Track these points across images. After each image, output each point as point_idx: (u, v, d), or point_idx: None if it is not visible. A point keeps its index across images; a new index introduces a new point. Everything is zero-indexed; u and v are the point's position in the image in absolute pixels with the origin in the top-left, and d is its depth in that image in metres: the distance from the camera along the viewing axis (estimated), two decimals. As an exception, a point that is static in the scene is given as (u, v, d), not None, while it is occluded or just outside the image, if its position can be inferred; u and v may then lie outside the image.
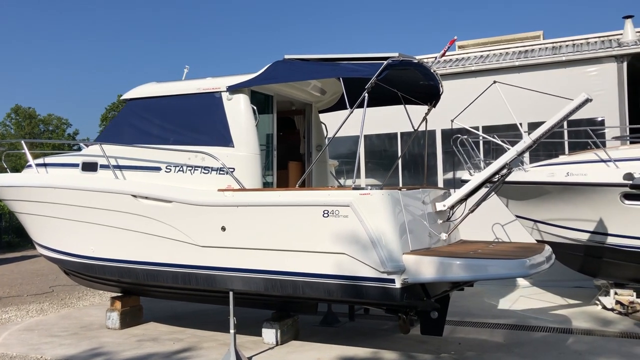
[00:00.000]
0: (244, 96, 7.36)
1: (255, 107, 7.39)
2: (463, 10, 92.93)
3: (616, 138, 10.53)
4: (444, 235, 7.01)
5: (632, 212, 8.30)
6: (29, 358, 7.41)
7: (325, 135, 9.37)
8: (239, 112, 7.33)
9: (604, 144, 9.91)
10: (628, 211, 8.32)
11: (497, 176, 6.83)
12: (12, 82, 63.38)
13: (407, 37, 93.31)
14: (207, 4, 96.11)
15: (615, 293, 9.21)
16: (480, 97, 8.60)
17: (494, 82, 8.26)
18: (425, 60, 7.55)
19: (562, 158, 9.32)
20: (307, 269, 6.45)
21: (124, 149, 7.95)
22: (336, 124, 6.98)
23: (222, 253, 6.97)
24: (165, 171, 7.61)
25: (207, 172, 7.33)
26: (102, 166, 8.07)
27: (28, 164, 8.95)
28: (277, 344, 7.61)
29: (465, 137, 9.73)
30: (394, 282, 5.98)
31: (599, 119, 11.87)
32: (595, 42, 13.49)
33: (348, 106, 6.59)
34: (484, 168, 7.56)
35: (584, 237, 8.98)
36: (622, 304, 9.04)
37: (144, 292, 8.93)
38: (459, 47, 15.81)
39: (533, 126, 11.37)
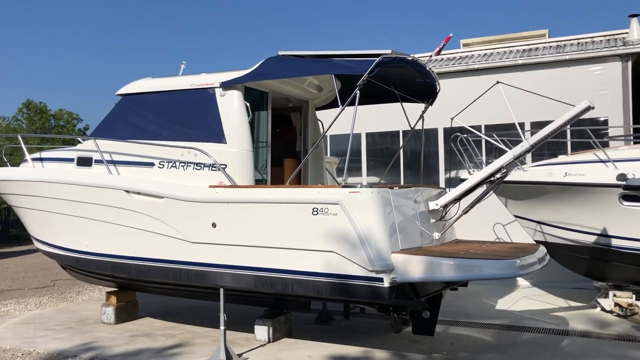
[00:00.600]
0: (237, 92, 7.33)
1: (248, 104, 7.36)
2: (468, 11, 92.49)
3: (611, 138, 10.39)
4: (436, 235, 6.93)
5: (630, 213, 8.19)
6: (22, 351, 7.44)
7: (322, 132, 9.31)
8: (232, 108, 7.31)
9: (607, 144, 9.78)
10: (626, 212, 8.21)
11: (493, 178, 6.76)
12: (24, 78, 63.90)
13: (410, 38, 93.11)
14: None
15: (614, 295, 9.10)
16: (483, 95, 8.50)
17: (497, 82, 8.15)
18: (420, 58, 7.48)
19: (561, 158, 9.22)
20: (297, 267, 6.42)
21: (118, 144, 7.95)
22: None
23: (213, 249, 6.96)
24: (159, 167, 7.61)
25: (199, 168, 7.32)
26: (97, 161, 8.08)
27: (25, 158, 9.00)
28: (269, 341, 7.59)
29: (465, 135, 9.63)
30: (382, 281, 5.94)
31: (602, 118, 11.73)
32: (601, 41, 13.32)
33: (339, 103, 6.58)
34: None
35: (582, 238, 8.87)
36: (620, 306, 8.93)
37: (138, 288, 8.95)
38: (464, 45, 15.69)
39: (536, 125, 11.27)
